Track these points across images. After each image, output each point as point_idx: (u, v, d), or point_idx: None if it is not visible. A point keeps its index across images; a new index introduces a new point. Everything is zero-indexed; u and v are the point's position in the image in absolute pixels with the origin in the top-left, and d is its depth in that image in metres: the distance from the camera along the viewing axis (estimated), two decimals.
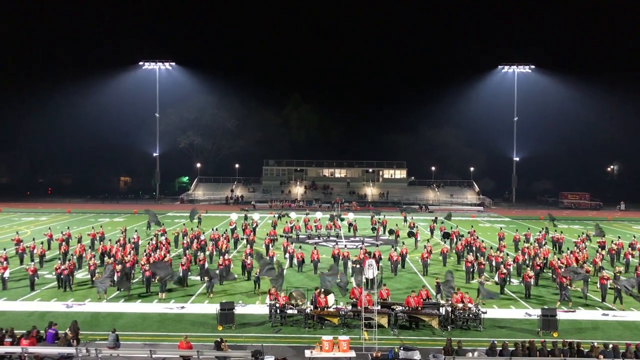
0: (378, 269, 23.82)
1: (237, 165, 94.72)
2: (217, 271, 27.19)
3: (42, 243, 35.26)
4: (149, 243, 34.86)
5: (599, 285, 26.20)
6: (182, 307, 23.94)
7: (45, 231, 40.10)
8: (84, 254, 32.15)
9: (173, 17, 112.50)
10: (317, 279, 27.03)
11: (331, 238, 44.46)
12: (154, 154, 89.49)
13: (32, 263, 29.66)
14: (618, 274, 27.61)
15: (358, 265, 27.63)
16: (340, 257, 31.82)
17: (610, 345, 17.69)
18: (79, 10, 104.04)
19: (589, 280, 27.51)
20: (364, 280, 21.27)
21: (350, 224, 47.33)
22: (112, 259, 29.51)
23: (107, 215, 61.39)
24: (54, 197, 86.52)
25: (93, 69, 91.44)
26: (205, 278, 26.26)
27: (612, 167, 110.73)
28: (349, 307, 21.63)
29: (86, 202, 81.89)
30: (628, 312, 24.04)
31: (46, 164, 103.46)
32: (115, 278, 26.46)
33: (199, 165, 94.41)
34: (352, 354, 17.37)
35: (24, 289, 26.67)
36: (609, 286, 25.78)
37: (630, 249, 36.10)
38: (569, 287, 25.44)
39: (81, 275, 29.63)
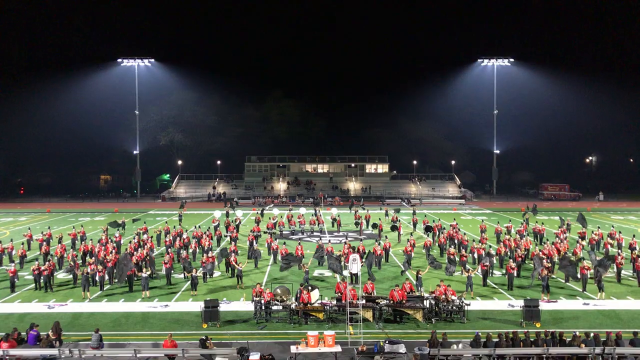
0: (362, 264, 23.89)
1: (218, 162, 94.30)
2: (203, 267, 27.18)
3: (22, 244, 34.74)
4: (130, 242, 34.55)
5: (579, 275, 26.55)
6: (166, 306, 23.77)
7: (25, 232, 39.54)
8: (64, 254, 31.78)
9: (152, 13, 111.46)
10: (302, 274, 27.03)
11: (315, 233, 44.48)
12: (134, 152, 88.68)
13: (12, 264, 29.22)
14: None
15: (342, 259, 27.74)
16: (324, 252, 31.84)
17: (592, 334, 17.94)
18: (56, 7, 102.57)
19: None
20: (349, 274, 21.34)
21: (333, 219, 47.39)
22: (93, 258, 29.19)
23: (87, 215, 60.69)
24: (33, 196, 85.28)
25: (71, 67, 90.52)
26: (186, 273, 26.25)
27: (590, 158, 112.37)
28: (334, 302, 21.66)
29: (66, 201, 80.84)
30: (608, 301, 24.41)
31: (24, 164, 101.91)
32: (97, 278, 26.22)
33: (180, 162, 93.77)
34: (338, 348, 17.38)
35: (3, 290, 26.29)
36: (589, 276, 26.15)
37: (609, 238, 36.67)
38: (551, 276, 25.78)
39: (62, 275, 29.28)
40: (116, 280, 25.71)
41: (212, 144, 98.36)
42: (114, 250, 31.41)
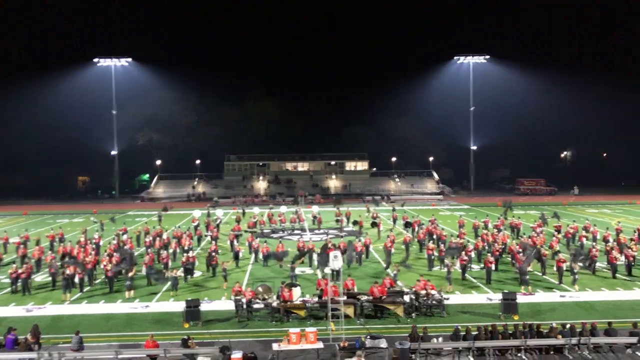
0: (343, 260, 24.04)
1: (197, 162, 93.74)
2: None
3: None
4: (110, 243, 34.29)
5: (555, 268, 27.08)
6: (147, 306, 23.69)
7: (1, 234, 38.95)
8: (42, 256, 31.43)
9: (128, 12, 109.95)
10: (283, 272, 27.12)
11: (296, 231, 44.58)
12: (112, 152, 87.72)
13: None
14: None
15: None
16: (306, 250, 31.99)
17: (568, 325, 18.38)
18: (31, 5, 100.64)
19: (546, 263, 28.49)
20: (330, 271, 21.49)
21: (314, 217, 47.52)
22: (72, 260, 28.90)
23: (65, 216, 59.96)
24: (8, 199, 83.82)
25: (46, 66, 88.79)
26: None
27: (565, 153, 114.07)
28: (315, 299, 21.80)
29: (43, 203, 79.68)
30: (583, 292, 24.94)
31: None
32: (77, 279, 26.01)
33: (159, 162, 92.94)
34: (320, 345, 17.53)
35: None
36: (564, 269, 26.68)
37: (584, 232, 37.42)
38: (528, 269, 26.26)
39: (41, 278, 28.98)
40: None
41: (191, 143, 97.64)
42: (93, 252, 31.15)
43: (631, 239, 33.26)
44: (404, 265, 26.72)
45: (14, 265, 26.96)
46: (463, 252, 28.97)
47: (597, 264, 29.13)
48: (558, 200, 72.13)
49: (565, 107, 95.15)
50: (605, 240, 34.01)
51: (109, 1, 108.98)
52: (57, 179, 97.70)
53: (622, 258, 29.43)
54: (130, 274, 25.57)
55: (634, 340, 17.66)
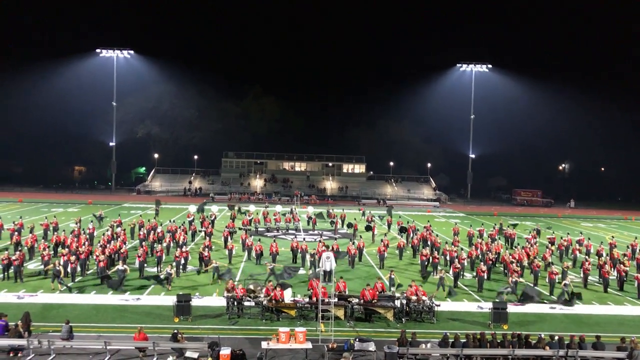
0: (336, 262, 24.09)
1: (195, 157, 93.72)
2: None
3: None
4: (104, 234, 34.27)
5: (547, 280, 27.16)
6: (138, 299, 23.69)
7: None
8: (35, 244, 31.41)
9: (132, 4, 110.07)
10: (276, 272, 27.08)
11: (290, 231, 44.61)
12: (110, 144, 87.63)
13: None
14: (566, 269, 28.75)
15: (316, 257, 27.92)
16: (299, 250, 32.07)
17: (556, 337, 18.43)
18: None
19: (539, 275, 28.59)
20: (322, 272, 21.52)
21: (309, 218, 47.55)
22: (66, 249, 28.90)
23: (60, 205, 59.88)
24: (4, 185, 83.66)
25: (49, 56, 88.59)
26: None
27: (563, 165, 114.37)
28: (306, 300, 21.84)
29: (38, 191, 79.56)
30: (571, 306, 24.99)
31: None
32: (69, 269, 25.99)
33: (156, 155, 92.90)
34: (309, 345, 17.56)
35: None
36: (556, 281, 26.76)
37: (578, 245, 37.52)
38: (519, 280, 26.33)
39: (33, 266, 28.96)
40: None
41: (189, 138, 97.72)
42: (86, 242, 31.13)
43: (624, 255, 33.37)
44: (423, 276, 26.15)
45: (7, 252, 26.92)
46: (456, 260, 29.09)
47: (590, 278, 29.25)
48: (554, 212, 72.31)
49: (565, 119, 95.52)
50: (598, 254, 34.11)
51: None
52: (53, 168, 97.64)
53: (615, 273, 29.58)
54: (124, 267, 25.58)
55: (621, 355, 17.72)
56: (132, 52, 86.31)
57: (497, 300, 23.44)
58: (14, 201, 62.38)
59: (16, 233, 33.42)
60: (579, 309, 24.52)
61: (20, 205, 59.09)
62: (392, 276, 25.27)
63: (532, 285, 27.40)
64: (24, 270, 26.54)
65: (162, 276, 25.61)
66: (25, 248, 30.38)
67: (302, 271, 29.80)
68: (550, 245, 36.81)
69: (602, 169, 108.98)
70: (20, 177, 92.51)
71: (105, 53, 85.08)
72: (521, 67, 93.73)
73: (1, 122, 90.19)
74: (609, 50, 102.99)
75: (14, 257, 26.00)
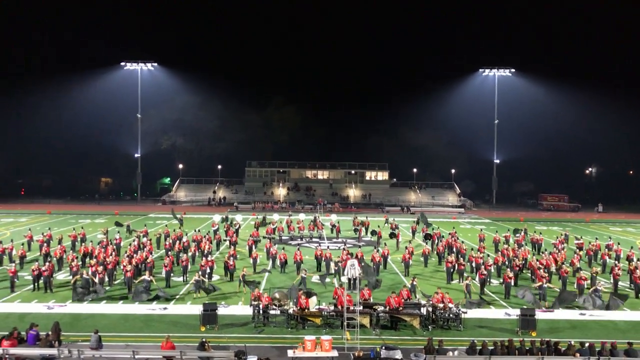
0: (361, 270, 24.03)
1: (219, 167, 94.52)
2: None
3: (22, 244, 34.92)
4: (130, 244, 34.70)
5: (576, 286, 26.72)
6: (165, 308, 23.92)
7: (25, 232, 39.69)
8: (64, 255, 31.94)
9: (156, 17, 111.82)
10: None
11: (314, 239, 44.63)
12: (136, 155, 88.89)
13: (13, 264, 29.37)
14: (595, 275, 28.22)
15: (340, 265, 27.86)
16: (323, 258, 32.05)
17: (587, 344, 18.09)
18: (60, 9, 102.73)
19: (567, 281, 28.13)
20: (346, 280, 21.47)
21: (333, 226, 47.52)
22: (94, 259, 29.34)
23: (87, 217, 60.86)
24: (33, 198, 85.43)
25: (75, 69, 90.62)
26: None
27: (590, 169, 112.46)
28: (331, 308, 21.80)
29: (66, 203, 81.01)
30: (604, 311, 24.51)
31: (26, 165, 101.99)
32: (97, 279, 26.37)
33: (181, 166, 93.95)
34: (335, 353, 17.53)
35: (3, 290, 26.45)
36: (585, 287, 26.29)
37: (607, 250, 36.85)
38: (548, 285, 25.95)
39: (62, 276, 29.45)
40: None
41: (213, 148, 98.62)
42: (113, 252, 31.56)
43: None
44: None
45: (37, 263, 27.43)
46: (482, 267, 28.81)
47: (620, 283, 28.66)
48: (581, 217, 71.12)
49: (591, 122, 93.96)
50: (628, 259, 33.43)
51: (138, 6, 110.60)
52: (81, 179, 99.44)
53: None
54: (150, 278, 25.88)
55: None
56: (155, 64, 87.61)
57: (519, 295, 23.75)
58: (43, 213, 63.61)
59: (45, 244, 34.00)
60: (609, 315, 24.04)
61: (49, 216, 60.22)
62: (414, 283, 25.10)
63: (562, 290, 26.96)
64: (53, 281, 27.01)
65: (197, 286, 25.86)
66: (55, 259, 30.96)
67: (327, 279, 29.78)
68: (578, 250, 36.20)
69: (631, 172, 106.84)
70: (49, 189, 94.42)
71: (130, 66, 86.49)
72: (545, 71, 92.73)
73: (30, 135, 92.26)
74: (635, 50, 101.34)
75: (43, 268, 26.48)
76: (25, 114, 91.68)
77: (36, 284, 26.62)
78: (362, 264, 26.88)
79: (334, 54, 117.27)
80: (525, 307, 22.70)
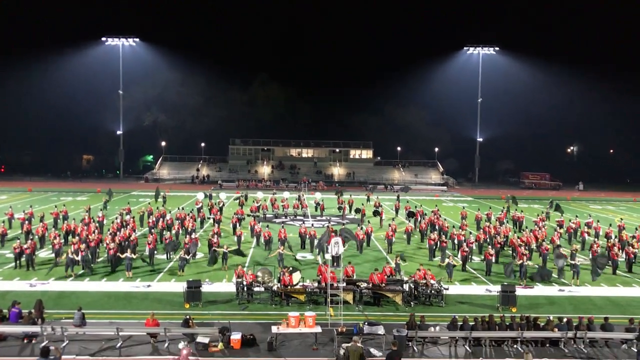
0: (344, 246, 24.20)
1: (202, 144, 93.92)
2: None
3: (2, 222, 34.54)
4: (113, 222, 34.52)
5: (539, 255, 27.19)
6: (149, 286, 23.92)
7: (6, 210, 39.26)
8: (46, 233, 31.69)
9: None
10: (285, 257, 27.22)
11: (298, 217, 44.74)
12: (118, 132, 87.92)
13: None
14: (574, 252, 28.72)
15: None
16: (307, 236, 32.20)
17: (565, 319, 18.50)
18: None
19: (547, 258, 28.60)
20: (330, 257, 21.60)
21: (317, 204, 47.64)
22: (76, 237, 29.15)
23: (69, 194, 60.28)
24: (13, 175, 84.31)
25: (55, 45, 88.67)
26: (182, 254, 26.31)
27: (571, 148, 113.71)
28: (315, 284, 21.97)
29: (47, 180, 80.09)
30: (582, 287, 25.05)
31: (5, 141, 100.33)
32: (79, 257, 26.22)
33: (163, 143, 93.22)
34: (318, 329, 17.72)
35: None
36: (566, 263, 26.75)
37: (586, 227, 37.47)
38: (528, 263, 26.37)
39: (45, 254, 29.27)
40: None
41: (196, 125, 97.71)
42: (96, 230, 31.38)
43: (633, 237, 33.22)
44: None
45: (18, 241, 27.20)
46: (464, 244, 29.15)
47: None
48: (562, 195, 72.03)
49: (573, 102, 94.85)
50: (607, 236, 34.03)
51: None
52: (62, 157, 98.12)
53: (623, 255, 29.55)
54: (132, 255, 25.84)
55: (630, 336, 17.78)
56: (137, 40, 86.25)
57: (507, 272, 24.36)
58: (24, 190, 62.85)
59: (27, 222, 33.68)
60: (587, 290, 24.55)
61: (30, 194, 59.54)
62: (399, 262, 25.30)
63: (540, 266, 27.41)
64: (35, 259, 26.84)
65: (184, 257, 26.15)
66: (36, 237, 30.70)
67: (310, 256, 29.96)
68: (558, 228, 36.74)
69: (611, 151, 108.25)
70: (29, 166, 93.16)
71: (111, 41, 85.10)
72: (529, 50, 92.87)
73: (9, 111, 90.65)
74: (618, 31, 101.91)
75: (25, 246, 26.28)
76: (5, 90, 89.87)
77: (18, 261, 26.43)
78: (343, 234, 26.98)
79: (319, 31, 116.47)
80: (505, 283, 23.07)
